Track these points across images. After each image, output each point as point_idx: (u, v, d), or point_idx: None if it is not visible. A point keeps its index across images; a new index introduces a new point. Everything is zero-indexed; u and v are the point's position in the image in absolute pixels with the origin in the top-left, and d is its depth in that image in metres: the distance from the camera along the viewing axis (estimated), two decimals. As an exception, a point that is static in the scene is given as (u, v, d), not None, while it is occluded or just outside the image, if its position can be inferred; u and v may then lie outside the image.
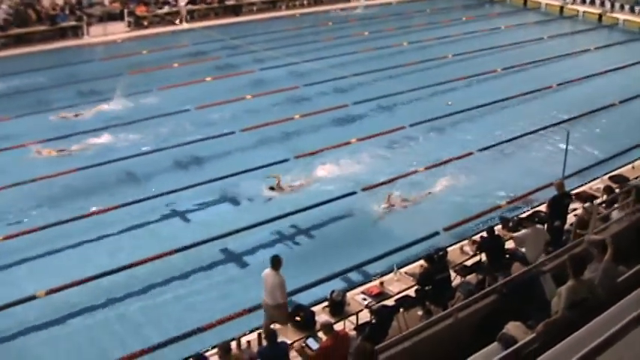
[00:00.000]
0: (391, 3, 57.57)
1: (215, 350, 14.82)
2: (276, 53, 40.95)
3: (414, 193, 24.36)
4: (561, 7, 55.18)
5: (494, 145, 28.48)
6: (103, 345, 17.34)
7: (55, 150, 27.89)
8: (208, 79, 37.25)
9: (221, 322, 17.80)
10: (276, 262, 15.85)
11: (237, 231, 22.05)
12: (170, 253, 20.92)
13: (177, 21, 48.64)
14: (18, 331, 17.78)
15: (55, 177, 25.61)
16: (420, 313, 16.47)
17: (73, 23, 45.20)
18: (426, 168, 26.23)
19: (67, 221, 22.63)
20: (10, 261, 20.80)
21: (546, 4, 56.43)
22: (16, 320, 18.14)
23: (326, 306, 16.44)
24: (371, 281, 18.08)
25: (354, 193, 24.59)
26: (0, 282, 19.85)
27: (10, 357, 17.09)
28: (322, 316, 15.86)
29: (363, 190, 24.71)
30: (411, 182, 25.15)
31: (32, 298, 18.89)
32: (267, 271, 15.95)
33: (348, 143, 28.55)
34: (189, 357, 14.96)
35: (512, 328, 11.50)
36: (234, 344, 14.90)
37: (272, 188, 24.50)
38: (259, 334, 15.02)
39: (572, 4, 55.10)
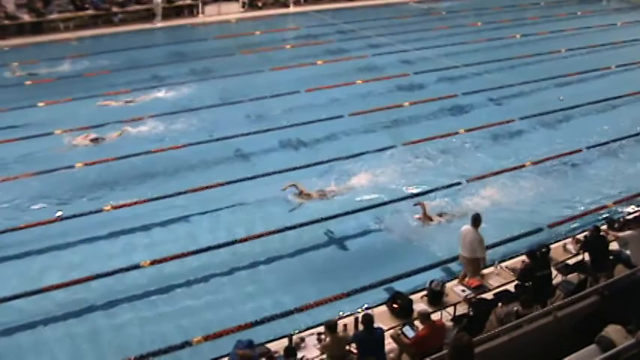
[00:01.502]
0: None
1: (311, 331, 15.12)
2: (388, 40, 41.01)
3: (520, 187, 24.14)
4: (681, 6, 53.68)
5: (604, 143, 27.92)
6: (203, 316, 17.75)
7: (163, 125, 28.65)
8: (319, 62, 37.54)
9: (318, 303, 17.96)
10: (476, 220, 17.47)
11: (341, 215, 22.23)
12: (272, 232, 21.22)
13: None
14: (125, 297, 18.43)
15: (162, 152, 26.43)
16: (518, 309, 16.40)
17: (189, 2, 46.11)
18: (533, 163, 25.92)
19: (172, 195, 23.23)
20: (117, 229, 21.47)
21: (666, 2, 54.95)
22: (125, 285, 18.85)
23: (424, 295, 16.52)
24: (471, 273, 18.07)
25: (459, 183, 24.51)
26: (108, 250, 20.51)
27: (118, 318, 17.72)
28: (420, 304, 15.94)
29: (468, 181, 24.59)
30: (517, 176, 24.93)
31: (137, 266, 19.52)
32: (467, 227, 17.60)
33: (455, 133, 28.44)
34: (284, 336, 15.18)
35: (612, 331, 11.39)
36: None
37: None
38: (356, 318, 15.16)
39: (694, 2, 53.54)
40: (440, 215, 22.19)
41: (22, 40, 39.91)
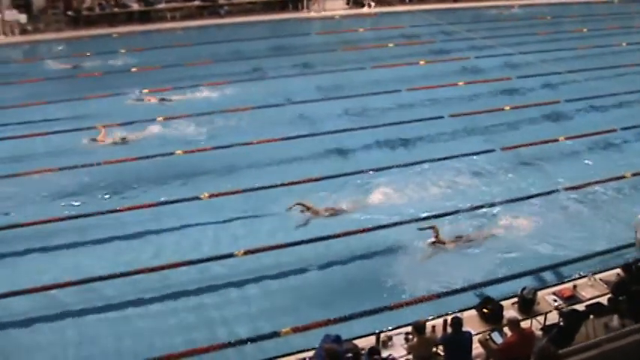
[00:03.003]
0: (613, 1, 55.72)
1: (399, 330, 15.17)
2: (492, 42, 40.75)
3: (618, 199, 23.70)
4: None
5: None
6: (293, 308, 17.93)
7: (260, 117, 29.36)
8: (422, 62, 37.56)
9: (409, 303, 17.97)
10: None
11: (437, 216, 22.05)
12: (367, 230, 21.25)
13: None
14: (215, 284, 18.83)
15: (258, 144, 26.87)
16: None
17: (295, -4, 46.56)
18: (634, 174, 25.39)
19: (267, 187, 23.53)
20: (214, 217, 21.90)
21: None
22: (217, 273, 19.27)
23: (515, 302, 16.41)
24: (564, 283, 17.86)
25: (555, 190, 24.17)
26: (202, 237, 20.94)
27: (209, 302, 18.14)
28: (510, 311, 15.84)
29: (566, 189, 24.25)
30: (615, 187, 24.42)
31: (230, 255, 19.84)
32: None
33: (555, 140, 28.10)
34: (372, 333, 15.26)
35: None
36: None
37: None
38: (444, 321, 15.16)
39: None
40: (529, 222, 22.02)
41: (130, 28, 40.96)
